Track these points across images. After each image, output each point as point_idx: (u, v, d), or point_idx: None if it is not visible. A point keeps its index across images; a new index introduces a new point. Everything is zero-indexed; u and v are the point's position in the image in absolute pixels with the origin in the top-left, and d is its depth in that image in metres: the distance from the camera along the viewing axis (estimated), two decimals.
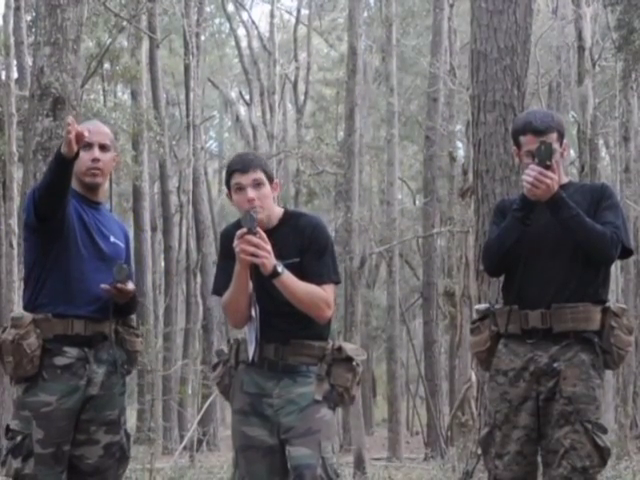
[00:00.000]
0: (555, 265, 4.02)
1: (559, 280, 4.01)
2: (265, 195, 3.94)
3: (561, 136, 4.12)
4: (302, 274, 3.89)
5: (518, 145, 4.18)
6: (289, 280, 3.83)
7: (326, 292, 3.92)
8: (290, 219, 4.02)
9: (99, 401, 4.11)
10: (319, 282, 3.91)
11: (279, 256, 3.85)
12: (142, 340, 4.35)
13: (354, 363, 3.99)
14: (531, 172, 3.95)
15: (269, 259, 3.76)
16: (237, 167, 3.95)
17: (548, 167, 3.94)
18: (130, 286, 4.13)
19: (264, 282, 3.90)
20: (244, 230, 3.74)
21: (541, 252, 4.04)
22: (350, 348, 4.01)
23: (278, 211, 4.04)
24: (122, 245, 4.31)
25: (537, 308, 4.02)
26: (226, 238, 4.04)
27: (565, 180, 4.18)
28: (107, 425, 4.14)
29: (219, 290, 4.05)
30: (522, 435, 4.03)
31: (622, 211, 4.12)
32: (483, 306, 4.31)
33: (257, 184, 3.92)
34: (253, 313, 3.92)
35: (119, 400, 4.20)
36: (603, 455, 3.98)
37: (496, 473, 4.08)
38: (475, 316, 4.34)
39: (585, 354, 4.01)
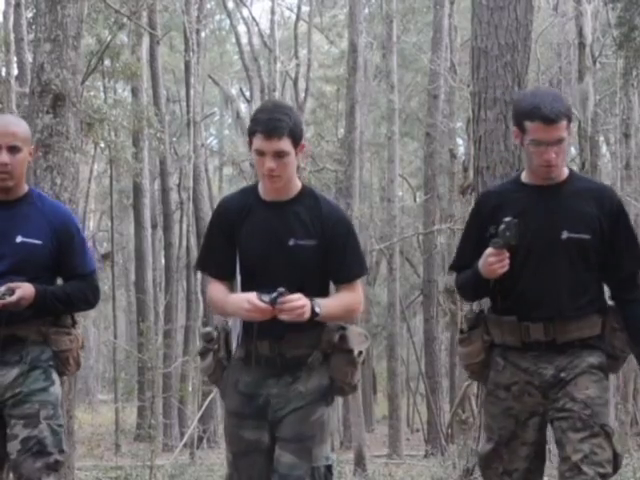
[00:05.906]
0: (555, 278, 3.80)
1: (561, 294, 3.80)
2: (286, 164, 3.68)
3: (570, 121, 3.76)
4: (321, 258, 3.76)
5: (522, 129, 3.80)
6: (325, 311, 3.69)
7: (356, 289, 3.83)
8: (309, 198, 3.81)
9: (18, 397, 4.10)
10: (349, 280, 3.83)
11: (291, 233, 3.74)
12: (72, 338, 4.22)
13: (355, 354, 3.79)
14: (492, 258, 3.72)
15: (307, 311, 3.62)
16: (261, 129, 3.66)
17: (511, 247, 3.71)
18: (12, 299, 3.97)
19: (255, 278, 3.76)
20: (266, 306, 3.59)
21: (540, 264, 3.82)
22: (356, 333, 3.84)
23: (297, 184, 3.81)
24: (37, 242, 4.09)
25: (538, 321, 3.80)
26: (223, 211, 3.87)
27: (566, 173, 3.89)
28: (25, 418, 4.09)
29: (204, 267, 3.97)
30: (530, 452, 3.87)
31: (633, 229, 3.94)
32: (473, 313, 4.06)
33: (280, 154, 3.67)
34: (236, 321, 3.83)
35: (40, 394, 4.13)
36: (617, 461, 3.77)
37: None
38: (464, 324, 4.07)
39: (593, 358, 3.83)
